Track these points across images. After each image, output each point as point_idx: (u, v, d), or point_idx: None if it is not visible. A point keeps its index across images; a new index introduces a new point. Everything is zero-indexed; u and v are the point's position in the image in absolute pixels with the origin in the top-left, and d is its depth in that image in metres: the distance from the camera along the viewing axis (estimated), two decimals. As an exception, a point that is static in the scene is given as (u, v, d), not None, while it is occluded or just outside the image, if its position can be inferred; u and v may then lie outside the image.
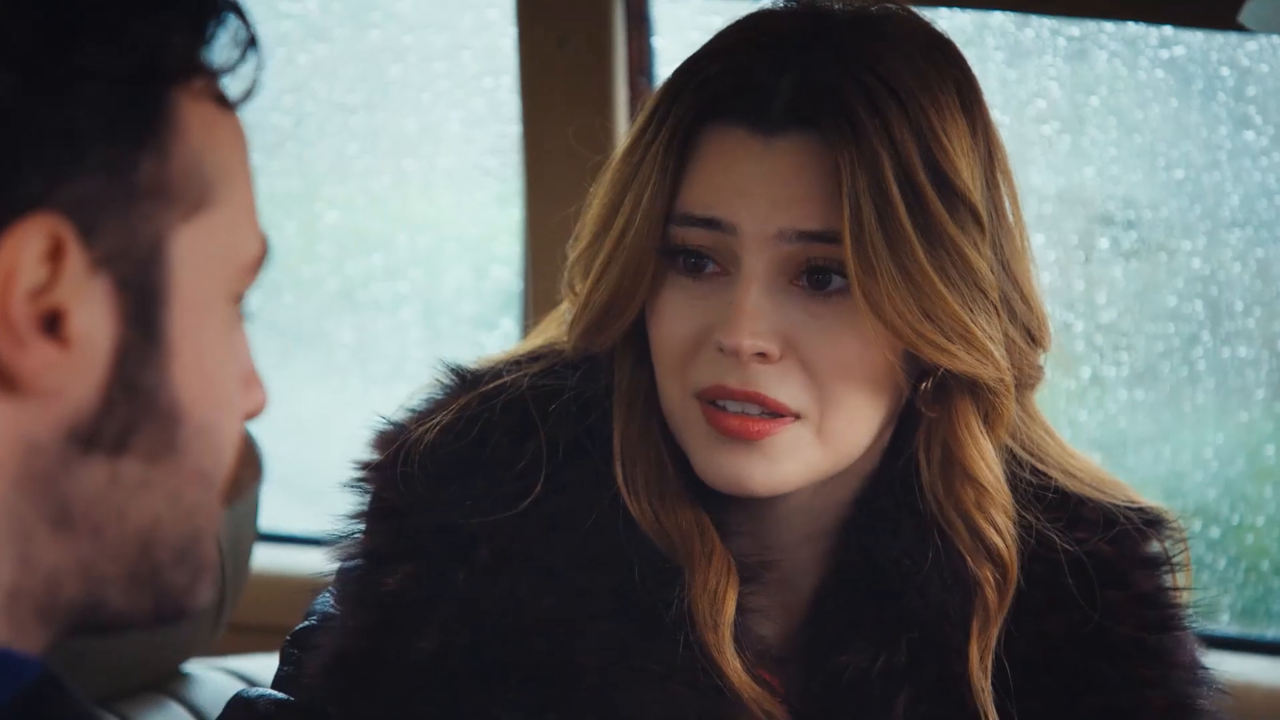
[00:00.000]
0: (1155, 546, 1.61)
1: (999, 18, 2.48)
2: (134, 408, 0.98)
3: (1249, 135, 2.46)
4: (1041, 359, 1.56)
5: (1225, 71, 2.45)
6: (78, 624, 1.00)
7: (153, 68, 0.97)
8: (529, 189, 2.58)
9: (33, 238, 0.94)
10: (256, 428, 2.12)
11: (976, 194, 1.48)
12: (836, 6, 1.53)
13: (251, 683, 2.16)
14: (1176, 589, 1.61)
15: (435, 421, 1.56)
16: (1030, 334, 1.54)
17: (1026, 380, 1.56)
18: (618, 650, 1.50)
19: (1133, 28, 2.45)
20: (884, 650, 1.54)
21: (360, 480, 1.58)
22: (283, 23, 2.83)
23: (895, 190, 1.45)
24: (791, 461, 1.49)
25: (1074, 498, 1.60)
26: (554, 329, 1.63)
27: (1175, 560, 1.61)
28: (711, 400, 1.49)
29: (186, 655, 2.17)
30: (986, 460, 1.54)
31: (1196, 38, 2.44)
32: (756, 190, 1.47)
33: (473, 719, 1.49)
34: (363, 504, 1.57)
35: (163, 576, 1.01)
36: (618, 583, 1.52)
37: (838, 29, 1.50)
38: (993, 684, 1.54)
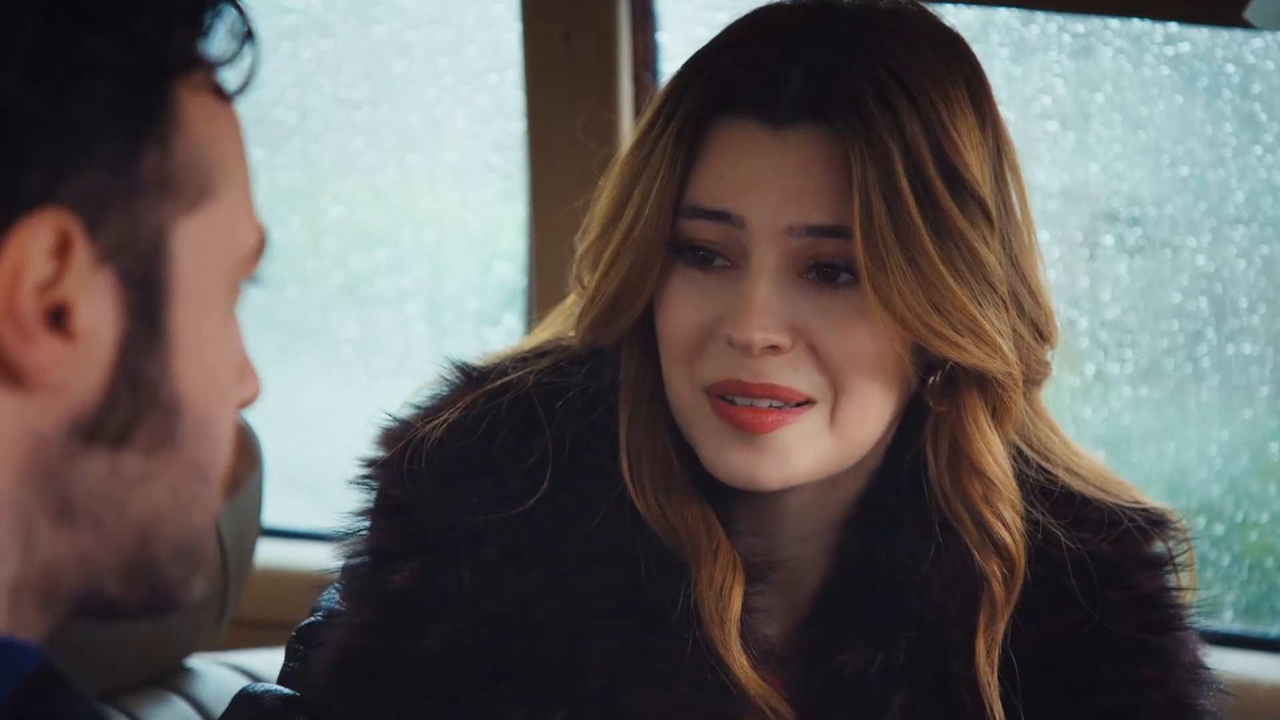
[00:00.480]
0: (1158, 547, 1.61)
1: (1004, 14, 2.48)
2: (136, 401, 0.98)
3: (1261, 142, 2.45)
4: (1049, 355, 1.56)
5: (1230, 68, 2.45)
6: (75, 613, 1.01)
7: (155, 61, 0.98)
8: (533, 185, 2.58)
9: (40, 233, 0.94)
10: (259, 422, 2.12)
11: (985, 188, 1.48)
12: (845, 0, 1.53)
13: (254, 678, 2.17)
14: (1179, 589, 1.61)
15: (442, 419, 1.56)
16: (1038, 329, 1.53)
17: (1034, 376, 1.55)
18: (624, 648, 1.50)
19: (1138, 24, 2.45)
20: (883, 649, 1.54)
21: (366, 477, 1.58)
22: (287, 17, 2.83)
23: (905, 184, 1.45)
24: (802, 453, 1.49)
25: (1078, 497, 1.60)
26: (560, 323, 1.63)
27: (1179, 561, 1.61)
28: (721, 395, 1.49)
29: (190, 650, 2.17)
30: (994, 455, 1.54)
31: (1202, 34, 2.44)
32: (766, 183, 1.47)
33: (479, 716, 1.49)
34: (369, 501, 1.57)
35: (160, 568, 1.01)
36: (624, 580, 1.52)
37: (847, 22, 1.50)
38: (998, 680, 1.54)
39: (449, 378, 1.61)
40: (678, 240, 1.50)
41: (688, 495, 1.54)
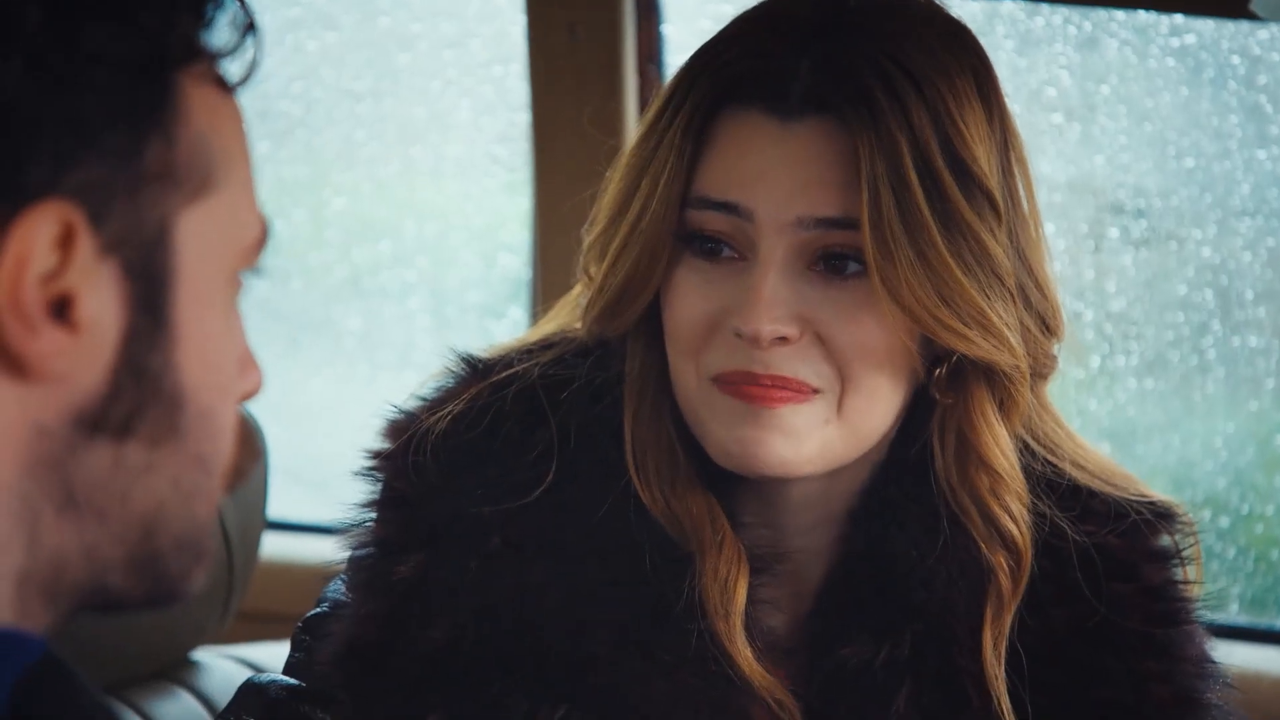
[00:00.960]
0: (1164, 540, 1.61)
1: (1009, 6, 2.48)
2: (140, 392, 0.98)
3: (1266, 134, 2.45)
4: (1055, 348, 1.56)
5: (1236, 60, 2.45)
6: (80, 606, 1.01)
7: (158, 53, 0.98)
8: (538, 177, 2.58)
9: (44, 224, 0.94)
10: (263, 414, 2.12)
11: (993, 181, 1.48)
12: (853, -8, 1.53)
13: (259, 670, 2.16)
14: (1185, 582, 1.60)
15: (446, 411, 1.56)
16: (1045, 322, 1.53)
17: (1040, 369, 1.55)
18: (628, 639, 1.50)
19: (1143, 16, 2.45)
20: (887, 642, 1.54)
21: (371, 469, 1.58)
22: (291, 9, 2.83)
23: (914, 176, 1.45)
24: (809, 439, 1.49)
25: (1084, 490, 1.59)
26: (565, 315, 1.62)
27: (1185, 554, 1.61)
28: (729, 384, 1.49)
29: (195, 643, 2.17)
30: (1001, 447, 1.54)
31: (1207, 26, 2.44)
32: (774, 175, 1.47)
33: (484, 707, 1.49)
34: (374, 492, 1.57)
35: (162, 560, 1.01)
36: (629, 571, 1.52)
37: (856, 14, 1.50)
38: (1005, 672, 1.54)
39: (454, 369, 1.60)
40: (685, 231, 1.50)
41: (692, 487, 1.54)
